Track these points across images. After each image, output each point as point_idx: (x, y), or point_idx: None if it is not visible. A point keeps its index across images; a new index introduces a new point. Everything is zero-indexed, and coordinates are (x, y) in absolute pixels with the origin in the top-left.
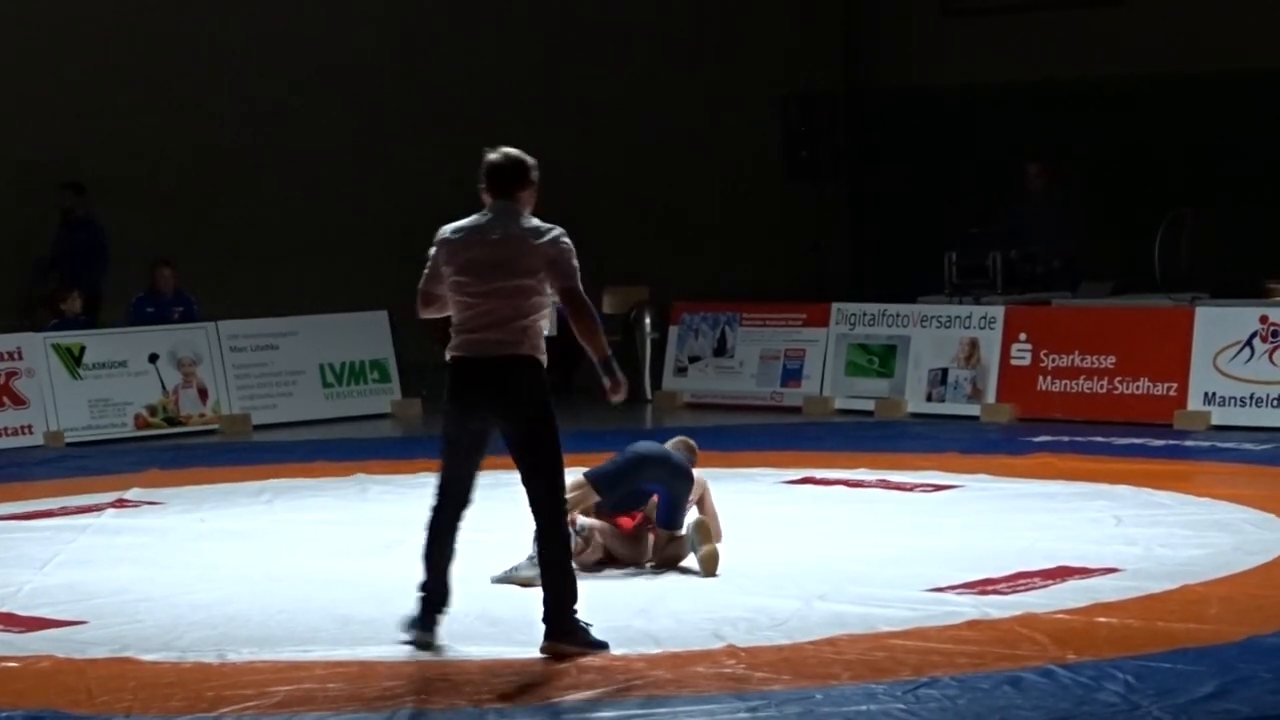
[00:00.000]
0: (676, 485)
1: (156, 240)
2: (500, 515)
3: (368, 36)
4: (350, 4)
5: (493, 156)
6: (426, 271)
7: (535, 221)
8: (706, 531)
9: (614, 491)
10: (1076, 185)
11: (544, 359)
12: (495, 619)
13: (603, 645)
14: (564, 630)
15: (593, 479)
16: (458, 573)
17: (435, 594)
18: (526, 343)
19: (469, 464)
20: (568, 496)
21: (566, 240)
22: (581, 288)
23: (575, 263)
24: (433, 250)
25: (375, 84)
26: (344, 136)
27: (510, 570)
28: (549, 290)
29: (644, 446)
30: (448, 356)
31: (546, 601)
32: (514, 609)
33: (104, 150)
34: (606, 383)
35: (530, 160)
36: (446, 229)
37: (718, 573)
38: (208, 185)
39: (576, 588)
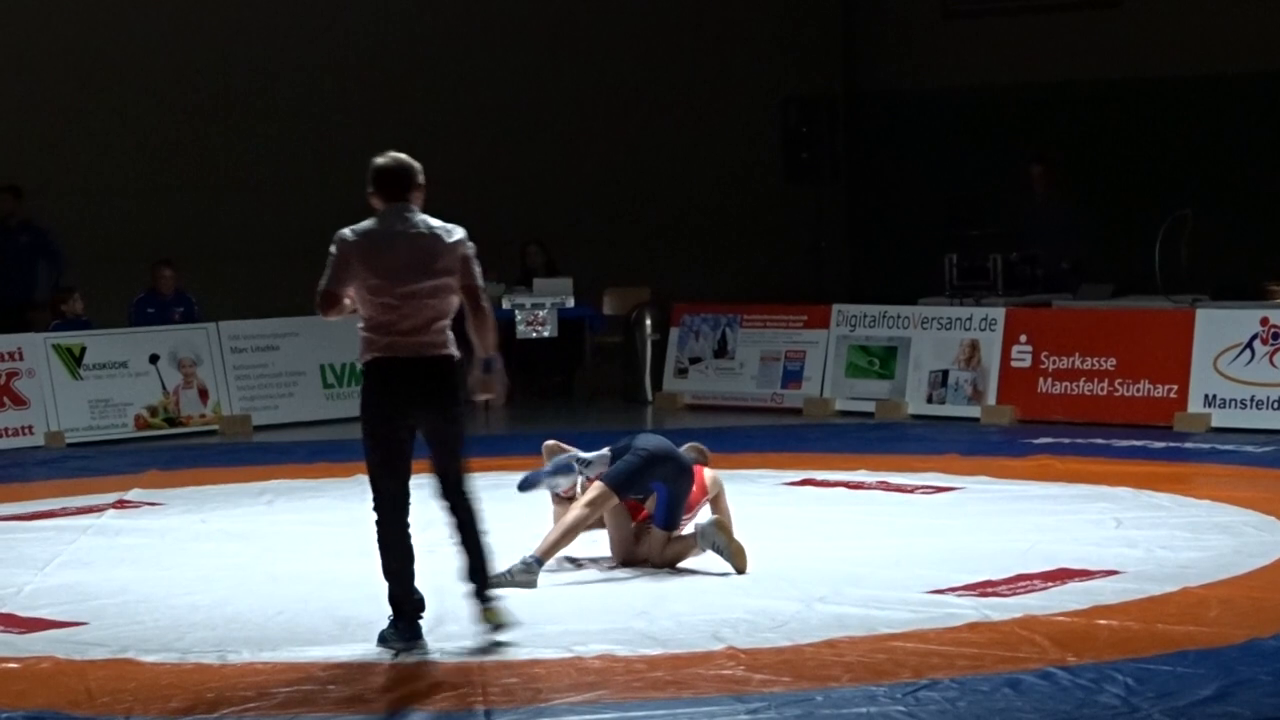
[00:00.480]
0: (680, 485)
1: (155, 240)
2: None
3: (367, 34)
4: (353, 3)
5: (381, 161)
6: (329, 273)
7: (437, 221)
8: (727, 529)
9: (628, 491)
10: (1080, 186)
11: (457, 353)
12: None
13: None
14: (492, 595)
15: (611, 484)
16: (455, 575)
17: (408, 603)
18: (448, 341)
19: (406, 464)
20: (590, 500)
21: (470, 243)
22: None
23: (477, 260)
24: (334, 251)
25: (377, 81)
26: (344, 135)
27: (505, 574)
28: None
29: (652, 443)
30: (369, 358)
31: (474, 569)
32: (511, 609)
33: (101, 149)
34: (482, 379)
35: (417, 164)
36: (348, 232)
37: (748, 569)
38: (207, 184)
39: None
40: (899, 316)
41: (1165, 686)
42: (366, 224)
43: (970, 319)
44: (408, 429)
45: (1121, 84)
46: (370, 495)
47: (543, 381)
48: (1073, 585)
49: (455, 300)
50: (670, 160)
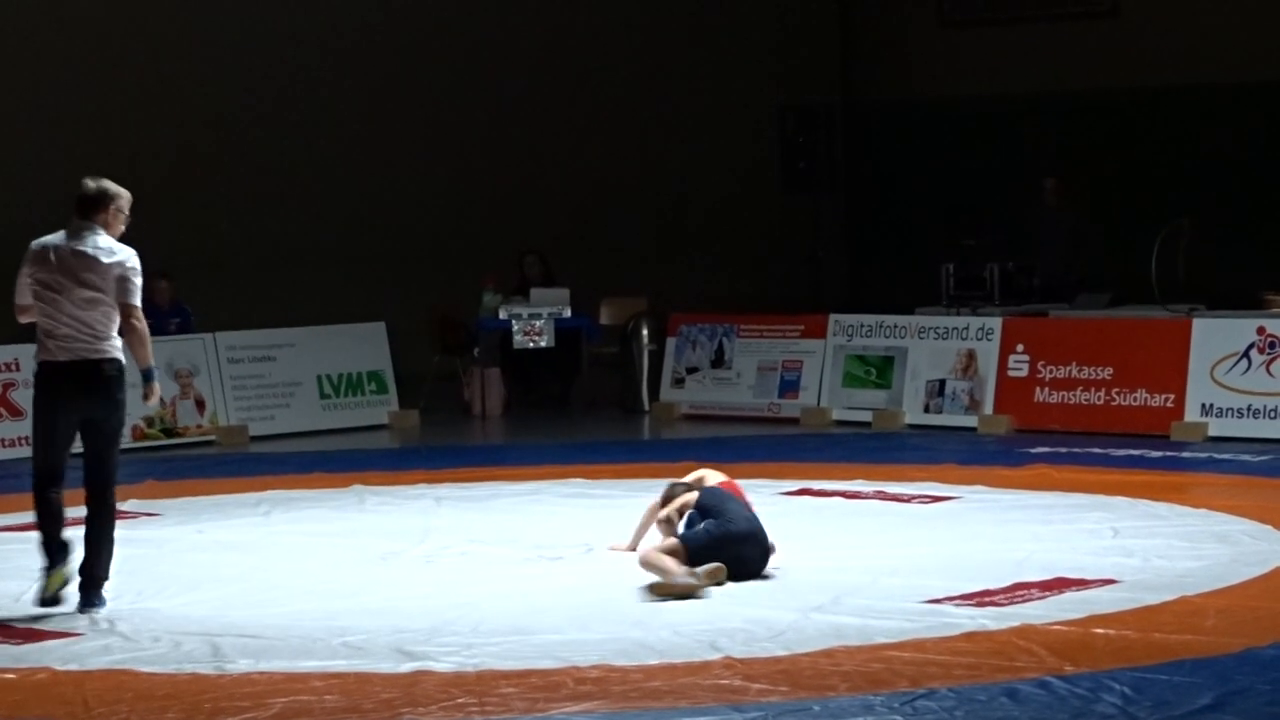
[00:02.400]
0: (754, 562)
1: (151, 251)
2: (494, 527)
3: (364, 46)
4: (347, 12)
5: (84, 184)
6: (18, 283)
7: (109, 243)
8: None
9: (698, 556)
10: (1077, 195)
11: (121, 357)
12: (489, 631)
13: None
14: (97, 598)
15: (688, 544)
16: (455, 589)
17: (60, 554)
18: (105, 346)
19: (66, 450)
20: (663, 552)
21: (133, 263)
22: (139, 305)
23: (137, 281)
24: (24, 262)
25: (372, 93)
26: (340, 146)
27: (664, 580)
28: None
29: (738, 523)
30: (37, 361)
31: (92, 566)
32: (506, 620)
33: (96, 161)
34: (144, 389)
35: (115, 191)
36: (35, 243)
37: (721, 581)
38: (205, 195)
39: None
40: (896, 326)
41: (1162, 696)
42: (51, 236)
43: (967, 329)
44: (66, 422)
45: (1118, 93)
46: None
47: (540, 391)
48: (1070, 594)
49: (111, 312)
50: (667, 170)
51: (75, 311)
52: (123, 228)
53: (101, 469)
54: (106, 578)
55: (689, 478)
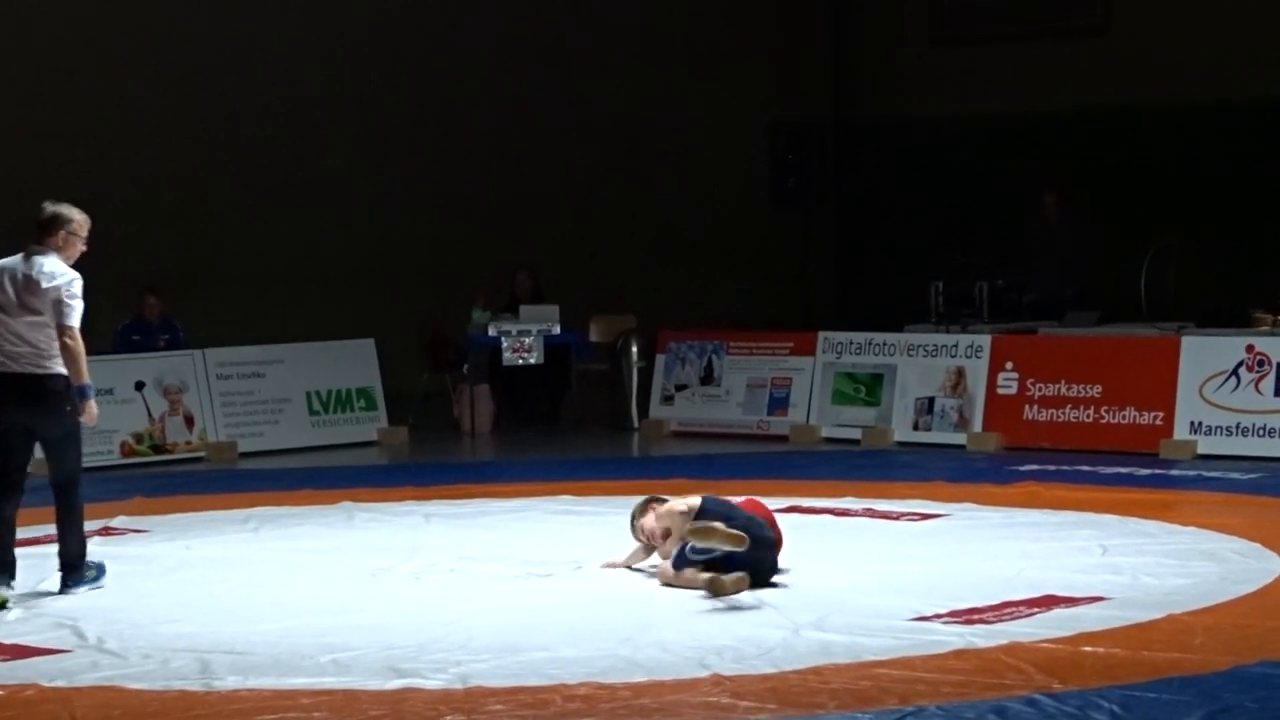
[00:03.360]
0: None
1: (141, 267)
2: (483, 544)
3: (356, 61)
4: (340, 28)
5: (42, 208)
6: None
7: (54, 267)
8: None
9: (710, 517)
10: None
11: (64, 371)
12: (478, 648)
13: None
14: (71, 580)
15: (703, 505)
16: (443, 605)
17: (6, 562)
18: (49, 363)
19: (22, 457)
20: (682, 510)
21: (71, 288)
22: (77, 326)
23: (73, 304)
24: None
25: (362, 108)
26: (331, 162)
27: (718, 578)
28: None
29: (754, 528)
30: None
31: (62, 551)
32: (495, 637)
33: (84, 176)
34: (79, 406)
35: (68, 216)
36: None
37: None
38: (194, 212)
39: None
40: (885, 344)
41: (1151, 713)
42: (9, 259)
43: (956, 346)
44: (19, 431)
45: (1108, 111)
46: None
47: (529, 408)
48: (1058, 612)
49: (52, 332)
50: (657, 187)
51: (21, 331)
52: (79, 250)
53: (59, 470)
54: (80, 558)
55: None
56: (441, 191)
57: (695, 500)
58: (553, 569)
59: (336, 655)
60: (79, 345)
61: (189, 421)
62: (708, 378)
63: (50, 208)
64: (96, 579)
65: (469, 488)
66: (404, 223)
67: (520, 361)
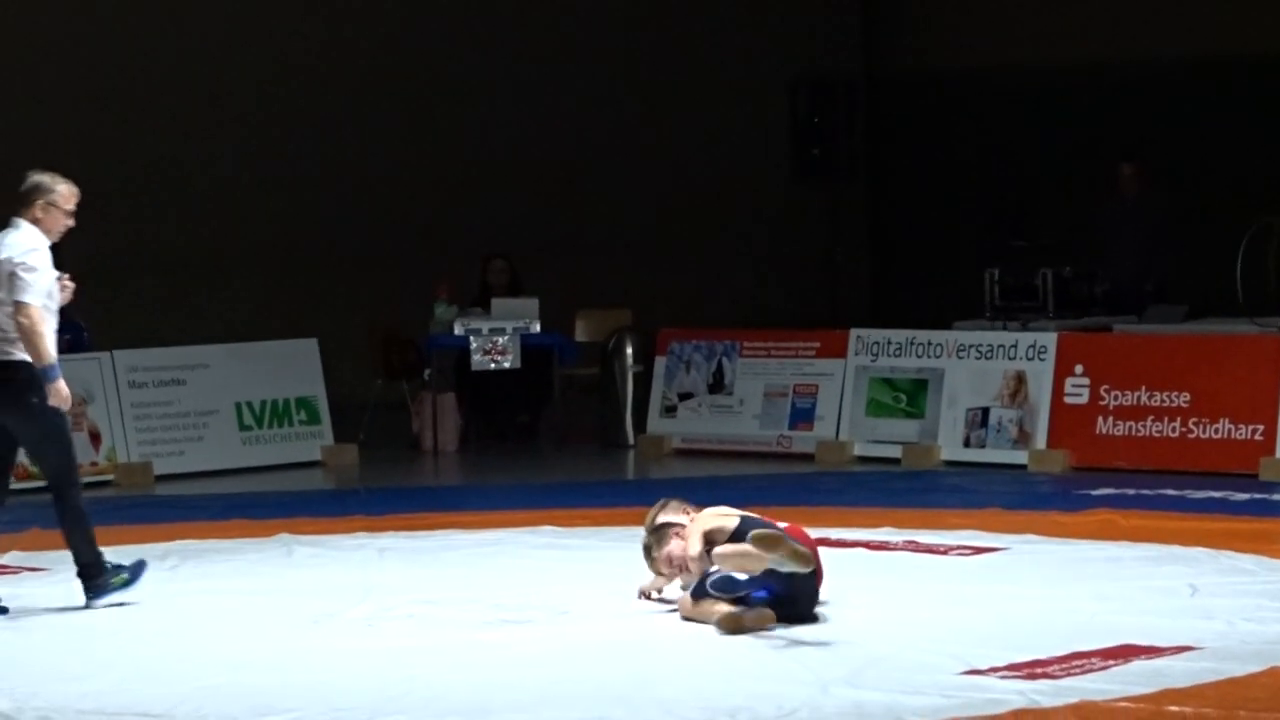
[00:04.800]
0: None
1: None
2: (448, 584)
3: (296, 21)
4: (295, 6)
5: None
6: None
7: (18, 239)
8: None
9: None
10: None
11: (26, 357)
12: (442, 709)
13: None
14: (92, 590)
15: (743, 523)
16: (401, 658)
17: None
18: (9, 348)
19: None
20: (712, 528)
21: (25, 258)
22: (32, 303)
23: (27, 277)
24: None
25: (301, 70)
26: (263, 131)
27: (735, 614)
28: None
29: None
30: None
31: (75, 557)
32: (462, 696)
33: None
34: (48, 389)
35: (45, 185)
36: None
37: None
38: (99, 194)
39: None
40: (930, 344)
41: None
42: None
43: (1015, 346)
44: None
45: (1197, 63)
46: None
47: (502, 422)
48: (1138, 664)
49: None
50: (657, 157)
51: None
52: (62, 224)
53: (45, 470)
54: (94, 561)
55: (691, 528)
56: (397, 165)
57: (730, 521)
58: (531, 615)
59: (272, 719)
60: (34, 323)
61: (94, 438)
62: (717, 385)
63: (32, 177)
64: (128, 583)
65: (431, 517)
66: (353, 202)
67: (492, 366)
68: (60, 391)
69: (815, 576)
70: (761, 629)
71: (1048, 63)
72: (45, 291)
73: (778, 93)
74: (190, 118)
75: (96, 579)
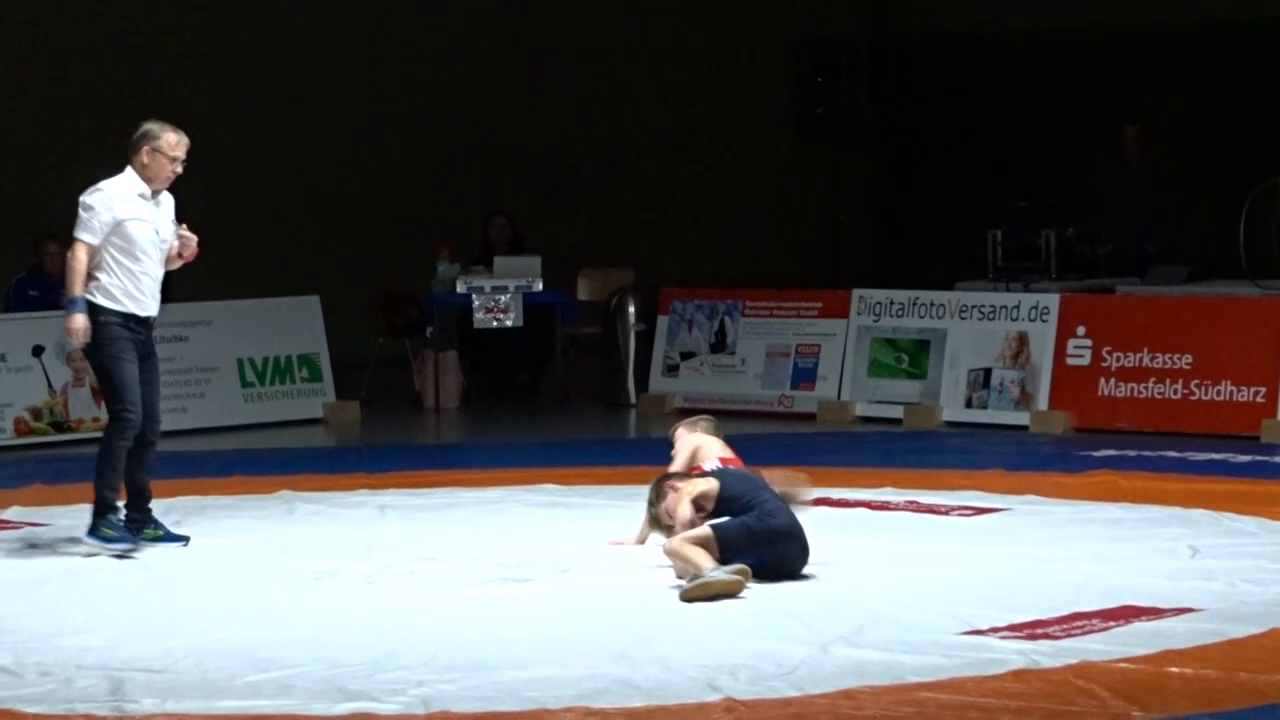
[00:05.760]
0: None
1: (43, 212)
2: (449, 542)
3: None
4: None
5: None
6: None
7: (96, 184)
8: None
9: (733, 550)
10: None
11: (105, 301)
12: (442, 666)
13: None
14: (89, 528)
15: (722, 536)
16: (402, 615)
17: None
18: (91, 288)
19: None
20: (690, 538)
21: (88, 197)
22: (81, 238)
23: (83, 215)
24: None
25: (305, 38)
26: (268, 94)
27: (694, 582)
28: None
29: (779, 517)
30: None
31: (96, 493)
32: (463, 653)
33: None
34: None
35: (151, 132)
36: None
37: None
38: (103, 148)
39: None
40: (932, 304)
41: None
42: None
43: (1018, 308)
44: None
45: (1202, 25)
46: None
47: (504, 380)
48: (1139, 625)
49: (96, 256)
50: (659, 117)
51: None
52: (169, 170)
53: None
54: (97, 503)
55: (681, 447)
56: (399, 124)
57: (712, 484)
58: (532, 572)
59: (273, 674)
60: (75, 258)
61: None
62: (719, 344)
63: (144, 125)
64: (114, 541)
65: (432, 475)
66: (355, 160)
67: (494, 324)
68: (73, 323)
69: (798, 536)
70: (739, 590)
71: (1051, 24)
72: (101, 229)
73: (781, 54)
74: (187, 77)
75: (95, 517)
